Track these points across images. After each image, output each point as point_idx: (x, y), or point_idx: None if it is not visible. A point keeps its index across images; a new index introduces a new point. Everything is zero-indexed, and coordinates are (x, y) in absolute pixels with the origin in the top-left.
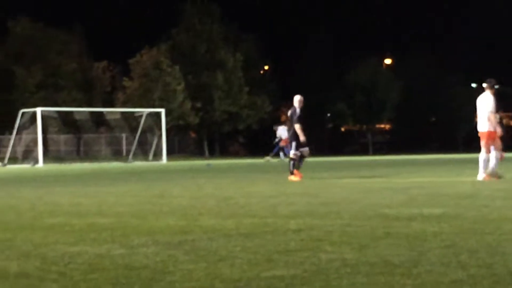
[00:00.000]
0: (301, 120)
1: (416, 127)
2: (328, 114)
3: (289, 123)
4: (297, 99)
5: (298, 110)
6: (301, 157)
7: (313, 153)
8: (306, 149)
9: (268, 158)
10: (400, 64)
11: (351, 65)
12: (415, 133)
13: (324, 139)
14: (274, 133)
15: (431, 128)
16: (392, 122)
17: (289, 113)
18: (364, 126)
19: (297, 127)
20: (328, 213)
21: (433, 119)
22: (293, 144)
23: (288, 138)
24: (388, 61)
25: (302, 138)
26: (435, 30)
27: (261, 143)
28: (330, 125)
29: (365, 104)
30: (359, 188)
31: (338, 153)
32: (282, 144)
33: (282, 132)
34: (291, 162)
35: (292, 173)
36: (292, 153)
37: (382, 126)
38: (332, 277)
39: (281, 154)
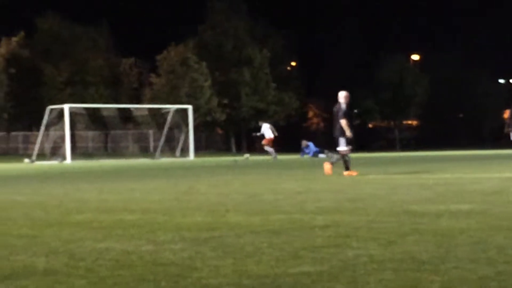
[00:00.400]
0: (347, 115)
1: (443, 123)
2: (355, 111)
3: (336, 118)
4: (342, 94)
5: (343, 106)
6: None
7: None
8: (349, 147)
9: (247, 155)
10: (427, 60)
11: (378, 61)
12: (442, 129)
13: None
14: (259, 128)
15: (458, 124)
16: (419, 118)
17: (334, 109)
18: (392, 122)
19: (343, 122)
20: (355, 209)
21: (460, 115)
22: (342, 140)
23: (335, 135)
24: (415, 57)
25: (348, 134)
26: (463, 26)
27: (289, 139)
28: (357, 122)
29: (392, 101)
30: (386, 184)
31: (365, 149)
32: (264, 142)
33: (265, 129)
34: (345, 158)
35: (348, 169)
36: (343, 149)
37: (409, 122)
38: (359, 273)
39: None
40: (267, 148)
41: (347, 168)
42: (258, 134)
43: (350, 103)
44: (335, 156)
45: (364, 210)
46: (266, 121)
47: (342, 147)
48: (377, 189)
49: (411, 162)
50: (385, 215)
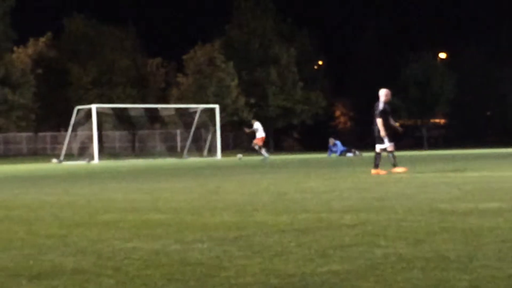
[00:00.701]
0: (383, 114)
1: (471, 121)
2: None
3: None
4: (381, 92)
5: (381, 105)
6: (384, 151)
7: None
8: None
9: (240, 156)
10: (455, 58)
11: (405, 59)
12: (470, 128)
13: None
14: (251, 125)
15: (486, 122)
16: (447, 116)
17: (374, 107)
18: (419, 121)
19: (378, 121)
20: (382, 208)
21: (488, 113)
22: (386, 138)
23: (375, 133)
24: (442, 55)
25: (382, 133)
26: (490, 23)
27: (316, 138)
28: None
29: (420, 99)
30: (414, 182)
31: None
32: (255, 142)
33: (257, 128)
34: (390, 156)
35: (395, 165)
36: (388, 146)
37: (437, 120)
38: (387, 272)
39: (263, 151)
40: (256, 147)
41: (376, 166)
42: (248, 130)
43: (390, 101)
44: (390, 155)
45: (392, 209)
46: (258, 120)
47: (387, 144)
48: (404, 187)
49: (438, 160)
50: (413, 213)
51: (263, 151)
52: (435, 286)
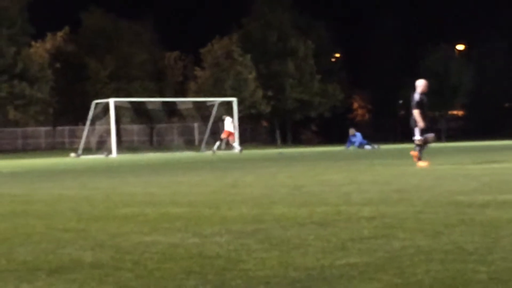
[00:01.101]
0: (421, 105)
1: (489, 113)
2: (400, 101)
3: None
4: (418, 83)
5: (416, 96)
6: (425, 143)
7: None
8: (431, 135)
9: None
10: (473, 49)
11: (423, 51)
12: (488, 119)
13: (396, 126)
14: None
15: (504, 114)
16: (465, 108)
17: (411, 98)
18: (437, 113)
19: (415, 112)
20: (400, 200)
21: (507, 104)
22: (417, 130)
23: (411, 125)
24: (460, 47)
25: (420, 124)
26: (508, 14)
27: (334, 131)
28: (402, 112)
29: (438, 91)
30: (432, 175)
31: (410, 140)
32: (223, 136)
33: (227, 123)
34: (417, 148)
35: (419, 159)
36: (417, 139)
37: (455, 112)
38: (405, 264)
39: (234, 145)
40: (231, 142)
41: (419, 159)
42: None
43: (427, 92)
44: (417, 148)
45: (410, 201)
46: (228, 115)
47: (417, 136)
48: (423, 179)
49: (457, 152)
50: (431, 206)
51: (220, 143)
52: (454, 278)
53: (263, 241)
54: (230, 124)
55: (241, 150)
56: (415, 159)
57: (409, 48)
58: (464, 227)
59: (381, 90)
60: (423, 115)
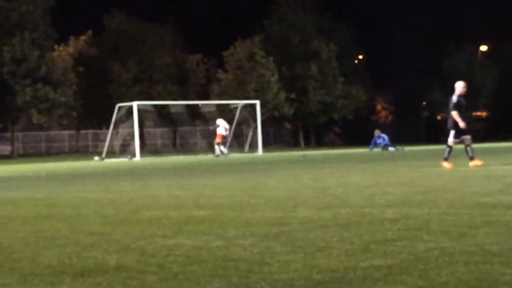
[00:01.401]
0: (458, 107)
1: None
2: (424, 103)
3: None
4: (457, 85)
5: (454, 98)
6: (463, 143)
7: (474, 140)
8: (467, 137)
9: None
10: (496, 51)
11: (446, 52)
12: (511, 120)
13: (420, 128)
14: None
15: None
16: (488, 109)
17: (449, 100)
18: None
19: (453, 114)
20: (424, 202)
21: None
22: (452, 132)
23: (449, 127)
24: (483, 48)
25: (461, 125)
26: None
27: (357, 133)
28: (425, 114)
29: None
30: (455, 176)
31: (434, 141)
32: (217, 140)
33: (220, 126)
34: (447, 150)
35: (446, 160)
36: (450, 140)
37: (479, 113)
38: (430, 266)
39: (219, 148)
40: (216, 146)
41: (445, 159)
42: (212, 128)
43: (466, 94)
44: (447, 149)
45: (434, 203)
46: (221, 118)
47: (451, 138)
48: (446, 181)
49: (480, 153)
50: (455, 207)
51: (222, 147)
52: (479, 280)
53: (287, 244)
54: (223, 128)
55: (227, 154)
56: (447, 164)
57: (432, 49)
58: (489, 228)
59: (404, 91)
60: (461, 117)
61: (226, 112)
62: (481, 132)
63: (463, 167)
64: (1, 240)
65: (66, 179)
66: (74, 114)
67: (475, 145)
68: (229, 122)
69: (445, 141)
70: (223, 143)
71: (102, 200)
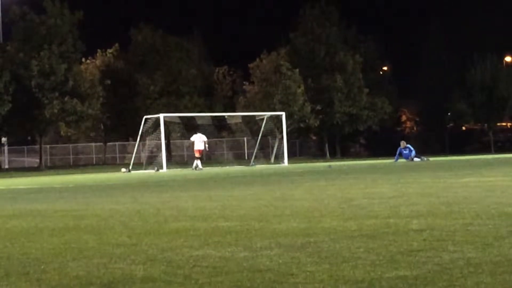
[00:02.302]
0: None
1: None
2: (448, 114)
3: None
4: None
5: None
6: None
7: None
8: None
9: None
10: None
11: (471, 64)
12: None
13: (445, 139)
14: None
15: None
16: None
17: None
18: (485, 125)
19: None
20: (450, 212)
21: None
22: None
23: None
24: (508, 58)
25: None
26: None
27: (382, 144)
28: (450, 125)
29: (486, 103)
30: (481, 187)
31: (459, 152)
32: (196, 155)
33: (196, 140)
34: None
35: None
36: None
37: (504, 124)
38: (455, 277)
39: (197, 163)
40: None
41: None
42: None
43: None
44: None
45: (459, 213)
46: (195, 133)
47: None
48: (472, 192)
49: (506, 164)
50: (480, 218)
51: (198, 162)
52: None
53: (313, 254)
54: (200, 142)
55: (201, 169)
56: None
57: (457, 60)
58: None
59: (429, 102)
60: None
61: (252, 124)
62: (506, 143)
63: (489, 178)
64: (29, 251)
65: (93, 190)
66: (101, 126)
67: (498, 156)
68: (255, 133)
69: (469, 152)
70: (200, 158)
71: (129, 211)
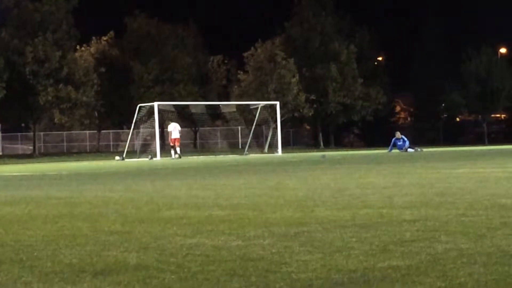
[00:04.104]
0: None
1: None
2: (443, 105)
3: None
4: None
5: None
6: None
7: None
8: None
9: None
10: None
11: (465, 55)
12: None
13: (439, 130)
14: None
15: None
16: (508, 111)
17: None
18: (479, 116)
19: None
20: (443, 203)
21: None
22: None
23: None
24: (503, 50)
25: None
26: None
27: (376, 134)
28: (444, 116)
29: (480, 94)
30: (474, 178)
31: (453, 143)
32: (172, 143)
33: (172, 129)
34: None
35: None
36: None
37: (498, 115)
38: (448, 267)
39: (172, 152)
40: (177, 148)
41: None
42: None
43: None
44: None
45: (453, 204)
46: (172, 121)
47: None
48: (465, 182)
49: (499, 155)
50: (474, 209)
51: (177, 150)
52: (497, 281)
53: (306, 244)
54: (176, 131)
55: (179, 157)
56: None
57: (451, 51)
58: (507, 230)
59: (424, 93)
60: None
61: (246, 113)
62: (500, 134)
63: (482, 169)
64: (22, 238)
65: (87, 178)
66: (96, 114)
67: (493, 147)
68: (249, 122)
69: (462, 143)
70: (174, 146)
71: (123, 199)
